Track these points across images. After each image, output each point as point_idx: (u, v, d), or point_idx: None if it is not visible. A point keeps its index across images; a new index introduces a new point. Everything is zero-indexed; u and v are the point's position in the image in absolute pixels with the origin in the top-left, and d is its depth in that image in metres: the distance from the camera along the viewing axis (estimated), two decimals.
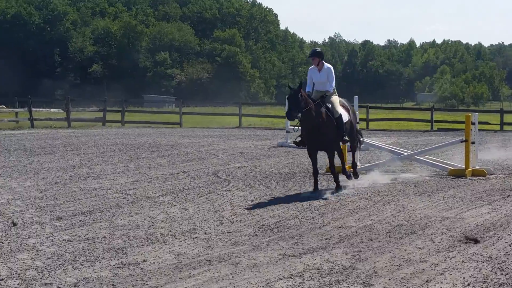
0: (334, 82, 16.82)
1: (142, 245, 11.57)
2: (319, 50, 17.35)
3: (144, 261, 10.47)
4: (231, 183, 18.82)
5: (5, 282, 9.28)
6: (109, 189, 17.87)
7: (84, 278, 9.50)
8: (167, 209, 14.60)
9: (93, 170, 22.07)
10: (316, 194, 16.43)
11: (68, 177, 20.26)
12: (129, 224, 13.28)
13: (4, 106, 60.65)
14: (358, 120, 19.96)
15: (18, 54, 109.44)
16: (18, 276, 9.58)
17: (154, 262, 10.40)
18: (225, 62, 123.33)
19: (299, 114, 15.95)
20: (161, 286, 9.13)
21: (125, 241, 11.76)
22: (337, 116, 16.46)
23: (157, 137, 38.37)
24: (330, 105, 16.52)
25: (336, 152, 17.34)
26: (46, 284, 9.24)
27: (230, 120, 52.52)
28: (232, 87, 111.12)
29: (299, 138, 16.99)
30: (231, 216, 14.14)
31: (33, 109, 51.95)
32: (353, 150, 18.82)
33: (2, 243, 11.65)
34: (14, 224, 13.08)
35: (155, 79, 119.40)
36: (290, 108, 16.11)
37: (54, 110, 59.11)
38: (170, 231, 12.67)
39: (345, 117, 17.01)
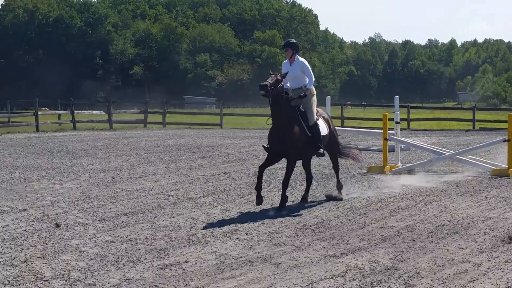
0: (313, 78, 14.79)
1: (184, 246, 11.61)
2: (293, 41, 15.29)
3: (186, 262, 10.51)
4: (272, 184, 18.82)
5: (49, 283, 9.37)
6: (151, 191, 17.96)
7: (126, 279, 9.56)
8: (209, 210, 14.65)
9: (135, 171, 22.20)
10: (254, 208, 14.74)
11: (110, 178, 20.40)
12: (171, 225, 13.35)
13: (47, 109, 61.21)
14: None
15: (60, 57, 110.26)
16: (62, 277, 9.67)
17: (196, 263, 10.44)
18: (265, 63, 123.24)
19: (270, 93, 13.84)
20: (203, 287, 9.16)
21: (167, 242, 11.82)
22: (312, 124, 14.42)
23: (198, 138, 38.50)
24: (303, 109, 14.57)
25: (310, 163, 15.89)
26: (89, 284, 9.31)
27: (270, 121, 52.26)
28: None
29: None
30: (274, 215, 14.18)
31: (75, 111, 52.30)
32: (335, 169, 16.29)
33: (46, 244, 11.76)
34: (58, 226, 13.19)
35: (196, 80, 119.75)
36: (266, 83, 14.00)
37: (96, 112, 59.54)
38: (212, 232, 12.70)
39: (324, 130, 14.99)
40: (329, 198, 15.81)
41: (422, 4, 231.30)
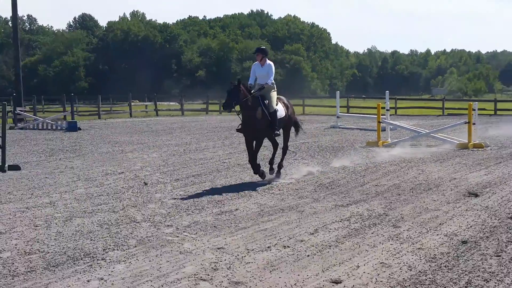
0: (272, 77, 13.40)
1: (235, 198, 11.66)
2: (263, 47, 14.09)
3: (236, 209, 10.56)
4: (298, 154, 18.81)
5: (140, 224, 9.46)
6: (211, 159, 18.01)
7: (194, 221, 9.62)
8: (252, 173, 14.67)
9: (200, 145, 22.28)
10: (263, 179, 13.46)
11: (182, 150, 20.49)
12: (226, 184, 13.39)
13: (137, 101, 61.65)
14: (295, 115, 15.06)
15: (147, 64, 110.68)
16: (149, 220, 9.76)
17: (243, 210, 10.49)
18: (292, 68, 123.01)
19: (234, 106, 12.85)
20: (248, 227, 9.20)
21: (223, 196, 11.87)
22: (272, 111, 13.18)
23: None
24: (267, 101, 13.19)
25: (281, 144, 14.49)
26: (168, 225, 9.39)
27: (296, 109, 52.24)
28: (298, 86, 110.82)
29: (240, 126, 13.53)
30: (297, 177, 14.18)
31: (157, 102, 52.81)
32: (284, 151, 14.70)
33: (137, 197, 11.88)
34: (146, 184, 13.31)
35: (243, 79, 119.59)
36: (228, 99, 12.83)
37: (172, 103, 59.98)
38: (255, 188, 12.75)
39: (282, 112, 13.71)
40: (265, 176, 13.81)
41: (406, 22, 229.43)
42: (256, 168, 13.40)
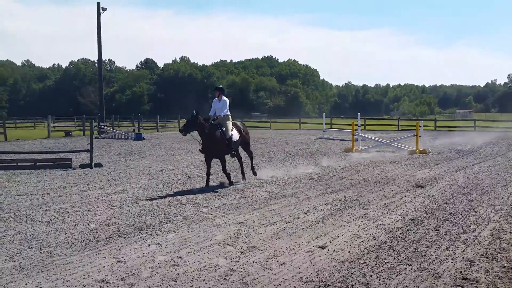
0: (226, 110, 12.05)
1: (251, 188, 11.64)
2: (220, 86, 12.50)
3: (252, 195, 10.54)
4: (296, 157, 18.76)
5: (185, 206, 9.47)
6: (234, 161, 17.98)
7: (223, 204, 9.62)
8: (263, 170, 14.59)
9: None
10: (208, 189, 11.40)
11: None
12: (245, 178, 13.34)
13: (184, 119, 61.52)
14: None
15: (190, 93, 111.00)
16: (191, 202, 9.76)
17: (257, 196, 10.46)
18: (291, 96, 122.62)
19: (190, 131, 11.33)
20: (261, 208, 9.18)
21: (243, 187, 11.85)
22: (228, 137, 11.99)
23: (257, 134, 38.44)
24: (224, 128, 11.93)
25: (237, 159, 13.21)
26: (204, 206, 9.39)
27: (294, 126, 52.23)
28: (296, 109, 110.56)
29: (200, 147, 12.05)
30: (295, 173, 14.13)
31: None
32: (251, 159, 13.48)
33: (183, 186, 11.88)
34: (189, 177, 13.33)
35: (258, 105, 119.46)
36: (185, 126, 11.38)
37: None
38: (265, 181, 12.72)
39: (236, 136, 12.40)
40: (243, 177, 12.84)
41: (372, 64, 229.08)
42: (207, 182, 11.90)
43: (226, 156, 12.24)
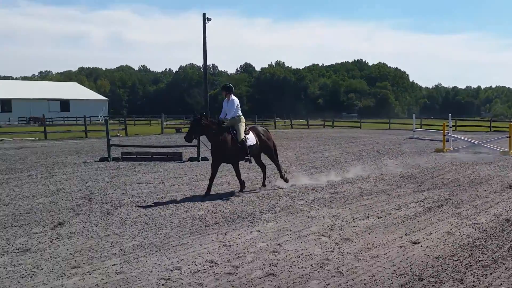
0: (234, 111, 10.11)
1: (343, 183, 11.47)
2: (227, 85, 10.33)
3: (345, 191, 10.39)
4: (386, 156, 18.21)
5: (282, 198, 9.53)
6: (327, 157, 17.84)
7: (317, 197, 9.58)
8: (354, 167, 14.32)
9: (319, 148, 22.12)
10: (206, 197, 9.51)
11: (308, 151, 20.45)
12: (337, 174, 13.15)
13: (279, 118, 61.83)
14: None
15: (285, 95, 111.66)
16: (288, 195, 9.77)
17: (349, 191, 10.29)
18: (381, 98, 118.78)
19: (195, 138, 9.90)
20: (353, 203, 9.04)
21: (335, 181, 11.72)
22: (240, 140, 9.93)
23: (348, 134, 37.79)
24: (235, 131, 9.98)
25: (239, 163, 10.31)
26: (300, 199, 9.36)
27: (383, 126, 50.57)
28: (386, 110, 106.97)
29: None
30: (387, 171, 13.72)
31: (292, 119, 52.99)
32: (277, 167, 11.19)
33: (280, 180, 11.86)
34: (285, 172, 13.32)
35: (348, 105, 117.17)
36: (189, 133, 9.80)
37: (301, 120, 59.71)
38: (357, 176, 12.49)
39: (252, 141, 10.33)
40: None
41: (463, 67, 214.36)
42: (209, 187, 9.93)
43: (240, 161, 10.24)
